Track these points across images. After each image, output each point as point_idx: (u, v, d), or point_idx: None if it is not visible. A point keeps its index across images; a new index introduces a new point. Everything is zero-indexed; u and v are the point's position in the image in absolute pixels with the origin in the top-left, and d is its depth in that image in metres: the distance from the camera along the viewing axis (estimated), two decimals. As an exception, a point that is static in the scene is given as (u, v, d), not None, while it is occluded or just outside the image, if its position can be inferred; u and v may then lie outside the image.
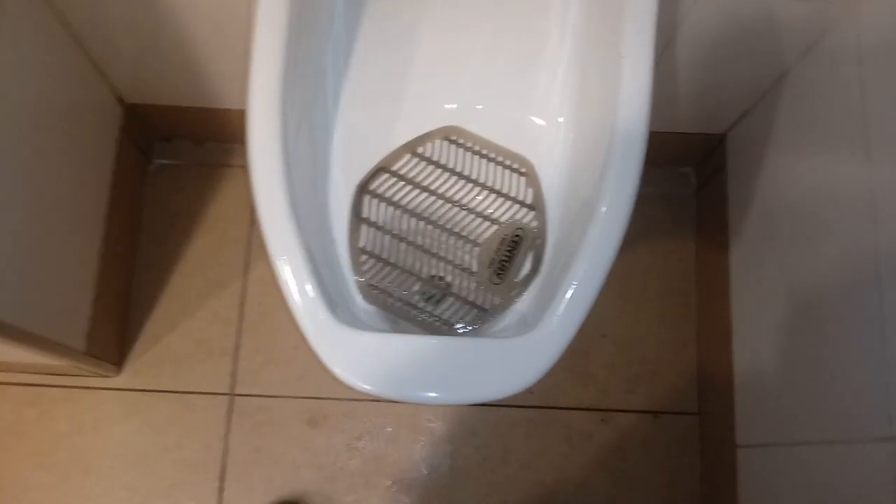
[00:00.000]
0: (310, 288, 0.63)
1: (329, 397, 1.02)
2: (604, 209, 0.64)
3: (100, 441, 1.00)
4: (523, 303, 0.71)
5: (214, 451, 1.00)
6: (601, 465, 1.01)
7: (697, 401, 1.02)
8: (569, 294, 0.63)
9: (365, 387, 0.62)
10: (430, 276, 0.73)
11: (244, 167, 1.09)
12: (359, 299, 0.72)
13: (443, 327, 0.71)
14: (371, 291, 0.71)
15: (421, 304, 0.71)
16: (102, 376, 1.01)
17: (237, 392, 1.02)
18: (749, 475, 0.87)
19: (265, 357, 1.03)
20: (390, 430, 1.01)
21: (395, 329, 0.71)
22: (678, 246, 1.08)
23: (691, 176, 1.10)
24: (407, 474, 1.00)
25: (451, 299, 0.71)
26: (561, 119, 0.74)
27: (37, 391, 1.01)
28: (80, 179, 0.90)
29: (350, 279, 0.72)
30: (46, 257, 0.82)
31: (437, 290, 0.72)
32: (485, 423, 1.01)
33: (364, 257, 0.71)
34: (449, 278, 0.73)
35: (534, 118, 0.77)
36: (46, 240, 0.82)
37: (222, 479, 1.00)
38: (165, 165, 1.10)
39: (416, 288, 0.72)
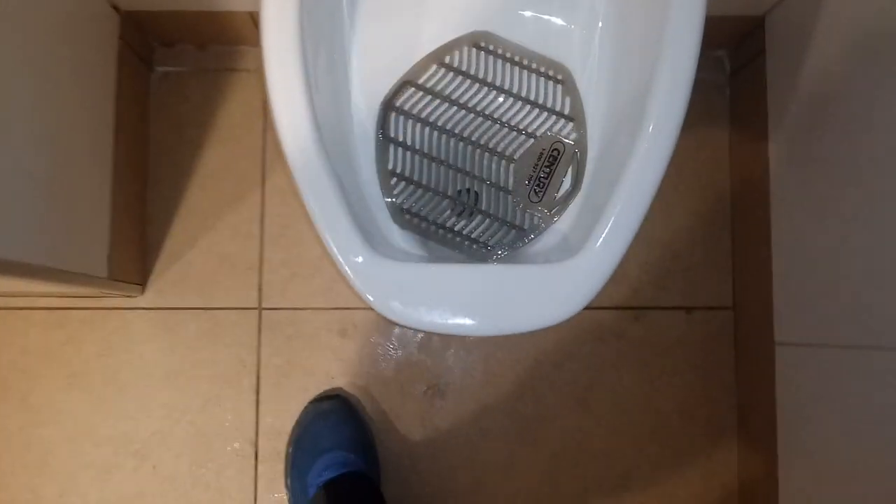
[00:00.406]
0: (343, 220, 0.60)
1: (358, 307, 1.01)
2: (652, 123, 0.59)
3: (131, 361, 1.00)
4: (563, 221, 0.68)
5: (248, 366, 1.00)
6: (635, 363, 1.00)
7: (732, 295, 1.00)
8: (614, 215, 0.59)
9: (404, 320, 0.60)
10: (465, 193, 0.69)
11: (251, 71, 1.04)
12: (391, 224, 0.68)
13: (480, 250, 0.68)
14: (404, 216, 0.68)
15: (455, 225, 0.68)
16: (127, 296, 1.00)
17: (265, 306, 1.01)
18: (787, 374, 0.86)
19: (290, 270, 1.01)
20: (421, 336, 1.01)
21: (430, 253, 0.69)
22: (712, 136, 1.03)
23: (725, 60, 1.03)
24: (440, 379, 1.00)
25: (487, 219, 0.68)
26: (599, 23, 0.68)
27: (62, 314, 1.00)
28: (83, 98, 0.84)
29: (381, 204, 0.68)
30: (59, 188, 0.78)
31: (467, 206, 0.69)
32: (517, 326, 1.00)
33: (394, 180, 0.68)
34: (482, 195, 0.69)
35: (570, 21, 0.70)
36: (57, 170, 0.78)
37: (258, 391, 1.00)
38: (168, 73, 1.04)
39: (451, 209, 0.68)
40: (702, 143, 1.03)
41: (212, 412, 1.00)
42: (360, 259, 0.60)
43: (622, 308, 1.01)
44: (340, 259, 0.60)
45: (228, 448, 1.00)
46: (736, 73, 1.02)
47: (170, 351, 1.00)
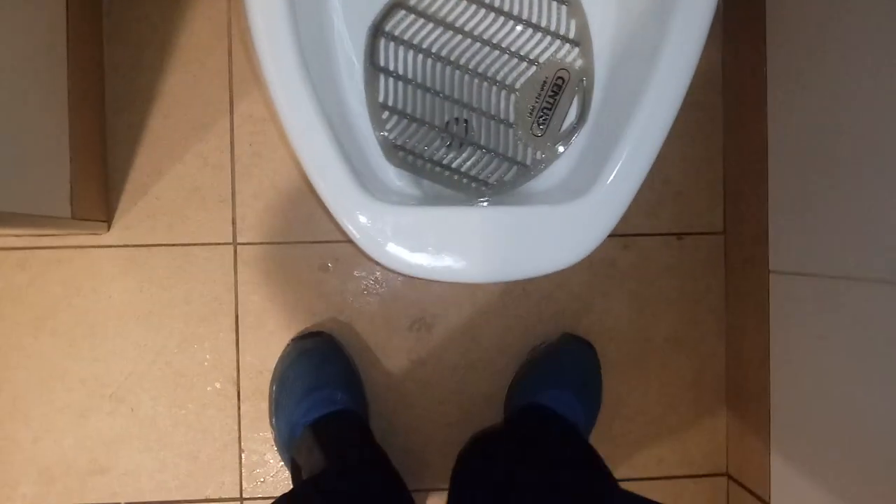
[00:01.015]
0: (334, 163, 0.55)
1: (338, 240, 0.96)
2: (668, 51, 0.55)
3: (101, 301, 0.95)
4: (568, 156, 0.64)
5: (225, 303, 0.96)
6: (625, 291, 0.98)
7: (723, 220, 0.98)
8: (626, 152, 0.55)
9: (403, 269, 0.56)
10: (462, 127, 0.64)
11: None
12: (385, 163, 0.63)
13: (479, 187, 0.63)
14: (397, 152, 0.63)
15: (453, 162, 0.64)
16: (92, 234, 0.94)
17: (240, 241, 0.96)
18: (783, 304, 0.85)
19: (265, 202, 0.96)
20: (406, 269, 0.97)
21: (426, 192, 0.64)
22: (703, 53, 0.98)
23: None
24: (427, 313, 0.98)
25: (487, 154, 0.63)
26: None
27: (24, 254, 0.94)
28: (29, 22, 0.76)
29: (372, 140, 0.63)
30: (9, 124, 0.71)
31: (465, 141, 0.64)
32: (504, 257, 0.97)
33: (386, 114, 0.62)
34: (481, 128, 0.64)
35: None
36: (6, 104, 0.70)
37: (237, 329, 0.96)
38: (121, -11, 0.94)
39: (448, 143, 0.64)
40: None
41: (189, 352, 0.96)
42: (354, 202, 0.55)
43: (611, 235, 0.98)
44: (332, 202, 0.56)
45: (209, 388, 0.96)
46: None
47: (140, 290, 0.95)
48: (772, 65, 0.86)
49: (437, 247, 0.56)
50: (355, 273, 0.97)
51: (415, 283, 0.97)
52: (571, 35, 0.63)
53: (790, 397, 0.84)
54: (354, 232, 0.56)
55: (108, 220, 0.94)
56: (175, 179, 0.95)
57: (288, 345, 0.94)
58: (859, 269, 0.71)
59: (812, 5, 0.78)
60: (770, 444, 0.87)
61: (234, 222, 0.96)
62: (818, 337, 0.78)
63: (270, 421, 0.93)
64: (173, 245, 0.95)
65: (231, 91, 0.95)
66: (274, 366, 0.95)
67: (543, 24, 0.63)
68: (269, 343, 0.96)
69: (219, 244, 0.96)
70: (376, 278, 0.97)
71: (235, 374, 0.96)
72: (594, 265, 0.98)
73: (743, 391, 0.95)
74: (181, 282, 0.96)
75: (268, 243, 0.96)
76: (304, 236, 0.96)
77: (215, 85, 0.95)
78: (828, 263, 0.76)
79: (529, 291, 0.98)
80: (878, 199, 0.67)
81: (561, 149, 0.63)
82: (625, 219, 0.96)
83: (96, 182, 0.92)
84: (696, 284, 0.99)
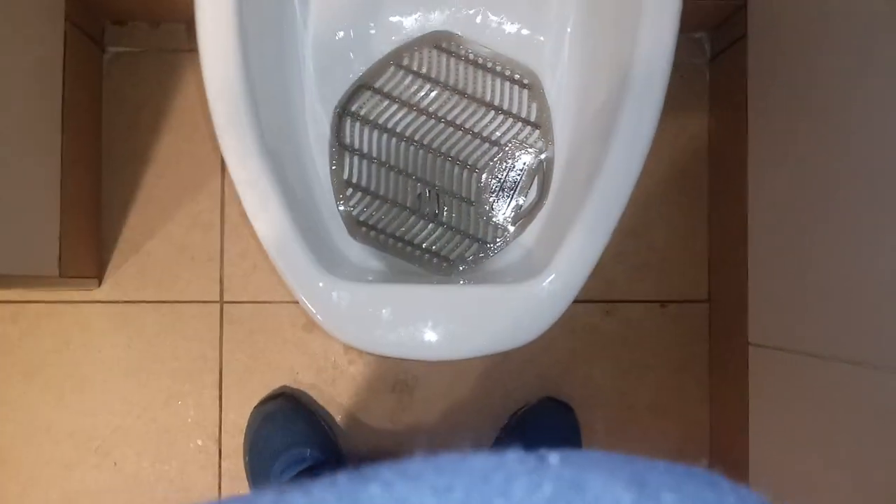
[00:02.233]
0: (291, 239, 0.56)
1: (323, 301, 0.97)
2: (621, 137, 0.56)
3: (90, 356, 0.97)
4: (528, 234, 0.65)
5: (210, 360, 0.98)
6: (607, 357, 0.98)
7: (708, 289, 0.98)
8: (580, 236, 0.56)
9: (360, 346, 0.57)
10: (425, 205, 0.66)
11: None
12: (348, 238, 0.65)
13: (441, 263, 0.64)
14: (360, 228, 0.64)
15: (415, 238, 0.65)
16: (84, 290, 0.96)
17: (227, 299, 0.98)
18: (760, 376, 0.84)
19: (252, 262, 0.98)
20: (389, 331, 0.98)
21: (388, 266, 0.65)
22: (690, 123, 0.99)
23: (705, 42, 0.99)
24: (408, 374, 0.98)
25: (449, 231, 0.65)
26: (568, 28, 0.64)
27: (16, 308, 0.96)
28: (26, 84, 0.79)
29: (337, 217, 0.64)
30: (1, 183, 0.74)
31: (427, 218, 0.65)
32: (487, 320, 0.98)
33: (350, 190, 0.64)
34: (443, 206, 0.65)
35: (537, 24, 0.66)
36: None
37: (220, 387, 0.97)
38: (121, 54, 0.98)
39: (410, 221, 0.65)
40: (680, 130, 0.99)
41: (174, 408, 0.97)
42: (312, 280, 0.57)
43: (596, 301, 0.99)
44: (290, 278, 0.57)
45: (191, 445, 0.97)
46: (716, 57, 0.97)
47: (129, 345, 0.97)
48: (752, 135, 0.87)
49: (392, 324, 0.57)
50: (339, 333, 0.97)
51: (397, 344, 0.98)
52: (533, 118, 0.64)
53: (768, 469, 0.83)
54: (311, 308, 0.57)
55: (99, 276, 0.97)
56: (166, 238, 0.98)
57: (252, 412, 0.95)
58: (829, 348, 0.71)
59: (790, 80, 0.79)
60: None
61: (221, 281, 0.98)
62: (791, 411, 0.77)
63: (250, 489, 0.93)
64: (162, 302, 0.97)
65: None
66: (244, 433, 0.96)
67: (506, 106, 0.65)
68: (252, 401, 0.97)
69: (206, 302, 0.97)
70: (359, 339, 0.98)
71: (217, 432, 0.97)
72: (577, 331, 0.98)
73: (725, 461, 0.94)
74: (169, 338, 0.97)
75: (254, 302, 0.98)
76: (289, 296, 0.97)
77: (208, 147, 0.98)
78: (801, 340, 0.76)
79: (511, 356, 0.98)
80: (850, 280, 0.67)
81: (521, 228, 0.64)
82: (609, 283, 0.98)
83: (88, 239, 0.94)
84: (680, 352, 0.99)
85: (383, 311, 0.57)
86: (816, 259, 0.73)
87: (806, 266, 0.75)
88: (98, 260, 0.97)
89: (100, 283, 0.97)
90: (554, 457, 0.25)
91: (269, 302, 0.97)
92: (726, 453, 0.94)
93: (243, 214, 0.96)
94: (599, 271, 0.97)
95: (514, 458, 0.25)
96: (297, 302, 0.96)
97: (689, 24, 0.98)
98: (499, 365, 0.98)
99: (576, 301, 0.96)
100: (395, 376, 0.98)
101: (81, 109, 0.92)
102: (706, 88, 0.99)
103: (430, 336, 0.57)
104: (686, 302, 0.99)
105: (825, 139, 0.71)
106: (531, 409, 0.95)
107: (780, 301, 0.80)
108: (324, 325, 0.58)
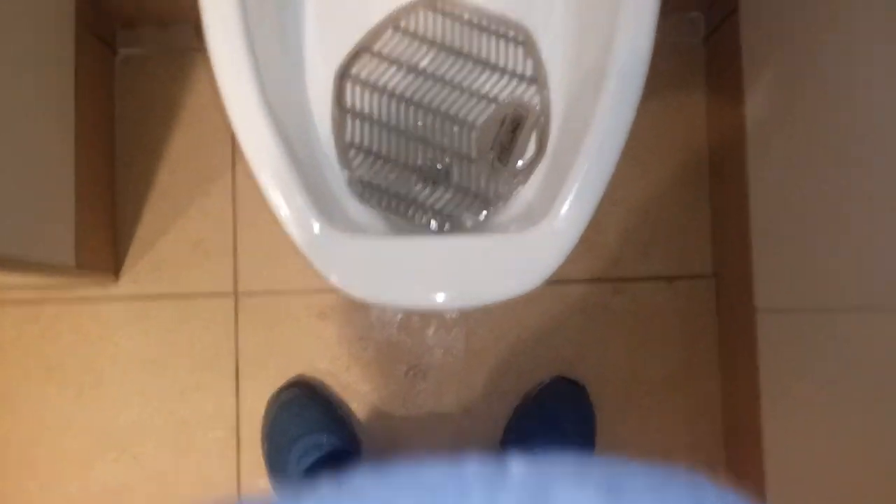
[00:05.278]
0: (297, 196, 0.58)
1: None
2: (613, 81, 0.57)
3: (108, 351, 0.99)
4: (530, 188, 0.66)
5: (226, 351, 0.99)
6: (618, 335, 0.98)
7: (712, 262, 0.98)
8: (577, 183, 0.57)
9: (364, 295, 0.58)
10: (426, 164, 0.67)
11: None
12: (352, 200, 0.66)
13: (444, 221, 0.66)
14: (364, 190, 0.66)
15: (417, 197, 0.66)
16: (101, 285, 0.98)
17: (241, 290, 0.99)
18: (770, 340, 0.84)
19: (265, 252, 1.00)
20: (401, 317, 0.99)
21: (392, 227, 0.67)
22: (688, 100, 1.00)
23: (699, 21, 1.01)
24: (422, 359, 0.99)
25: (450, 189, 0.66)
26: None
27: (35, 307, 0.98)
28: (40, 84, 0.82)
29: (340, 177, 0.66)
30: (18, 175, 0.76)
31: (428, 176, 0.66)
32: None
33: (353, 152, 0.65)
34: (447, 166, 0.67)
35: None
36: (15, 158, 0.76)
37: (237, 377, 0.98)
38: (132, 55, 1.01)
39: (412, 180, 0.66)
40: (679, 107, 1.00)
41: (191, 400, 0.98)
42: (316, 233, 0.58)
43: (603, 280, 0.99)
44: (296, 234, 0.59)
45: (210, 435, 0.98)
46: (711, 35, 0.99)
47: (146, 339, 0.99)
48: (749, 109, 0.88)
49: (396, 275, 0.58)
50: (352, 320, 0.99)
51: (410, 329, 0.99)
52: (529, 74, 0.66)
53: (782, 434, 0.83)
54: (316, 261, 0.58)
55: (115, 271, 0.99)
56: (180, 232, 1.00)
57: (268, 401, 0.96)
58: (837, 300, 0.71)
59: (784, 52, 0.80)
60: (765, 485, 0.85)
61: (235, 273, 0.99)
62: (804, 370, 0.77)
63: (269, 478, 0.94)
64: (177, 295, 0.99)
65: (234, 147, 1.00)
66: (261, 423, 0.96)
67: (501, 63, 0.66)
68: (269, 390, 0.98)
69: (221, 294, 0.99)
70: (373, 325, 0.99)
71: (236, 422, 0.98)
72: (587, 309, 0.99)
73: (738, 431, 0.94)
74: (185, 331, 0.99)
75: (268, 292, 0.99)
76: (303, 285, 0.99)
77: (219, 141, 1.00)
78: (808, 297, 0.76)
79: (523, 337, 0.99)
80: (853, 229, 0.67)
81: (521, 182, 0.65)
82: (616, 262, 0.98)
83: (104, 233, 0.96)
84: (689, 327, 0.99)
85: (383, 262, 0.58)
86: (817, 216, 0.73)
87: (807, 225, 0.75)
88: (114, 255, 0.99)
89: (117, 278, 0.99)
90: (518, 465, 0.24)
91: (283, 292, 0.99)
92: (739, 424, 0.93)
93: (256, 207, 0.99)
94: (606, 250, 0.99)
95: (472, 469, 0.24)
96: (311, 291, 0.98)
97: (683, 4, 1.00)
98: (511, 345, 0.98)
99: (584, 281, 0.98)
100: (409, 361, 0.98)
101: (94, 108, 0.94)
102: (703, 65, 1.01)
103: (437, 285, 0.58)
104: (693, 277, 0.99)
105: (822, 105, 0.72)
106: (544, 389, 0.95)
107: (785, 263, 0.81)
108: (326, 277, 0.59)
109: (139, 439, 0.98)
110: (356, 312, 0.99)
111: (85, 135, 0.90)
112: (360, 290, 0.59)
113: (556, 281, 0.97)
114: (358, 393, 0.98)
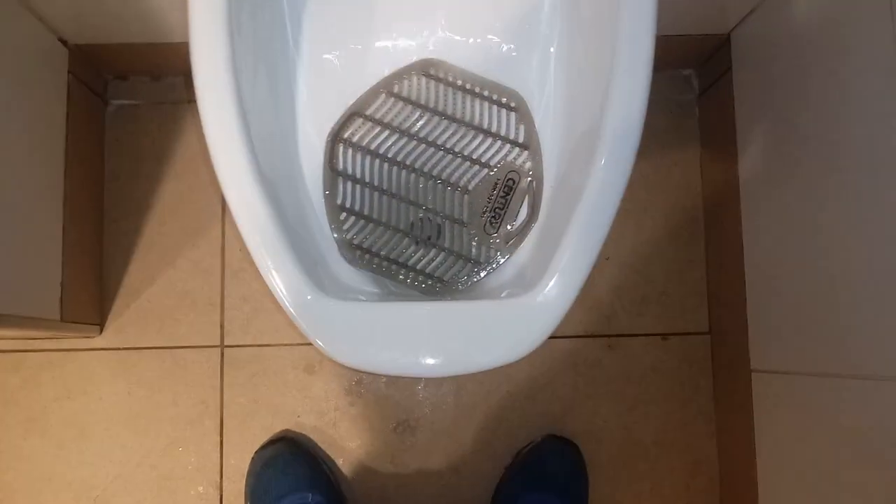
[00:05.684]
0: (286, 262, 0.57)
1: (324, 342, 0.97)
2: (606, 149, 0.57)
3: (90, 404, 0.97)
4: (521, 253, 0.65)
5: (211, 406, 0.97)
6: (611, 393, 0.97)
7: (708, 320, 0.98)
8: (569, 250, 0.57)
9: (352, 363, 0.57)
10: (417, 227, 0.66)
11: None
12: (342, 263, 0.66)
13: (435, 285, 0.65)
14: (355, 252, 0.65)
15: (409, 260, 0.65)
16: (85, 337, 0.97)
17: (227, 343, 0.98)
18: (765, 401, 0.83)
19: (253, 305, 0.98)
20: (390, 371, 0.97)
21: (383, 290, 0.66)
22: (682, 157, 1.01)
23: (693, 79, 1.01)
24: (411, 414, 0.97)
25: (442, 253, 0.65)
26: (552, 49, 0.66)
27: (17, 357, 0.97)
28: (31, 135, 0.82)
29: (331, 240, 0.65)
30: (4, 231, 0.75)
31: (420, 241, 0.66)
32: (487, 358, 0.97)
33: (344, 215, 0.65)
34: (439, 229, 0.66)
35: (521, 46, 0.68)
36: (3, 214, 0.75)
37: (221, 432, 0.97)
38: (124, 106, 1.01)
39: (403, 243, 0.66)
40: (673, 165, 1.01)
41: (174, 455, 0.96)
42: (304, 299, 0.57)
43: (596, 336, 0.98)
44: (284, 299, 0.58)
45: (192, 492, 0.96)
46: (704, 92, 0.99)
47: (129, 392, 0.97)
48: (743, 166, 0.88)
49: (384, 341, 0.57)
50: (339, 375, 0.97)
51: (398, 384, 0.97)
52: (521, 140, 0.66)
53: (778, 496, 0.81)
54: (305, 327, 0.57)
55: (100, 323, 0.97)
56: (167, 283, 0.98)
57: (252, 457, 0.94)
58: (832, 365, 0.70)
59: (776, 109, 0.81)
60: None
61: (222, 325, 0.98)
62: (801, 433, 0.76)
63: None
64: (163, 348, 0.98)
65: (223, 199, 0.99)
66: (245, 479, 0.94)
67: (494, 129, 0.66)
68: (253, 445, 0.96)
69: (207, 347, 0.98)
70: (360, 380, 0.97)
71: (219, 478, 0.96)
72: (579, 366, 0.98)
73: (735, 491, 0.92)
74: (169, 384, 0.97)
75: (254, 346, 0.98)
76: (290, 339, 0.98)
77: (208, 193, 1.00)
78: (804, 361, 0.75)
79: (513, 393, 0.97)
80: (848, 296, 0.67)
81: (513, 247, 0.65)
82: (609, 318, 0.98)
83: (90, 285, 0.95)
84: (684, 385, 0.98)
85: (375, 329, 0.57)
86: (813, 281, 0.73)
87: (804, 288, 0.75)
88: (99, 306, 0.97)
89: (101, 331, 0.97)
90: None
91: (270, 345, 0.98)
92: (735, 483, 0.92)
93: (244, 259, 0.98)
94: (599, 306, 0.98)
95: None
96: (298, 344, 0.97)
97: (677, 62, 1.01)
98: (501, 402, 0.97)
99: (577, 336, 0.97)
100: (398, 417, 0.97)
101: (84, 159, 0.94)
102: (696, 124, 1.01)
103: (425, 352, 0.57)
104: (687, 334, 0.98)
105: (813, 163, 0.72)
106: (535, 448, 0.93)
107: (781, 325, 0.80)
108: (317, 343, 0.58)
109: (121, 494, 0.96)
110: (345, 367, 0.97)
111: (74, 188, 0.89)
112: (348, 357, 0.58)
113: (549, 336, 0.96)
114: (344, 449, 0.96)
